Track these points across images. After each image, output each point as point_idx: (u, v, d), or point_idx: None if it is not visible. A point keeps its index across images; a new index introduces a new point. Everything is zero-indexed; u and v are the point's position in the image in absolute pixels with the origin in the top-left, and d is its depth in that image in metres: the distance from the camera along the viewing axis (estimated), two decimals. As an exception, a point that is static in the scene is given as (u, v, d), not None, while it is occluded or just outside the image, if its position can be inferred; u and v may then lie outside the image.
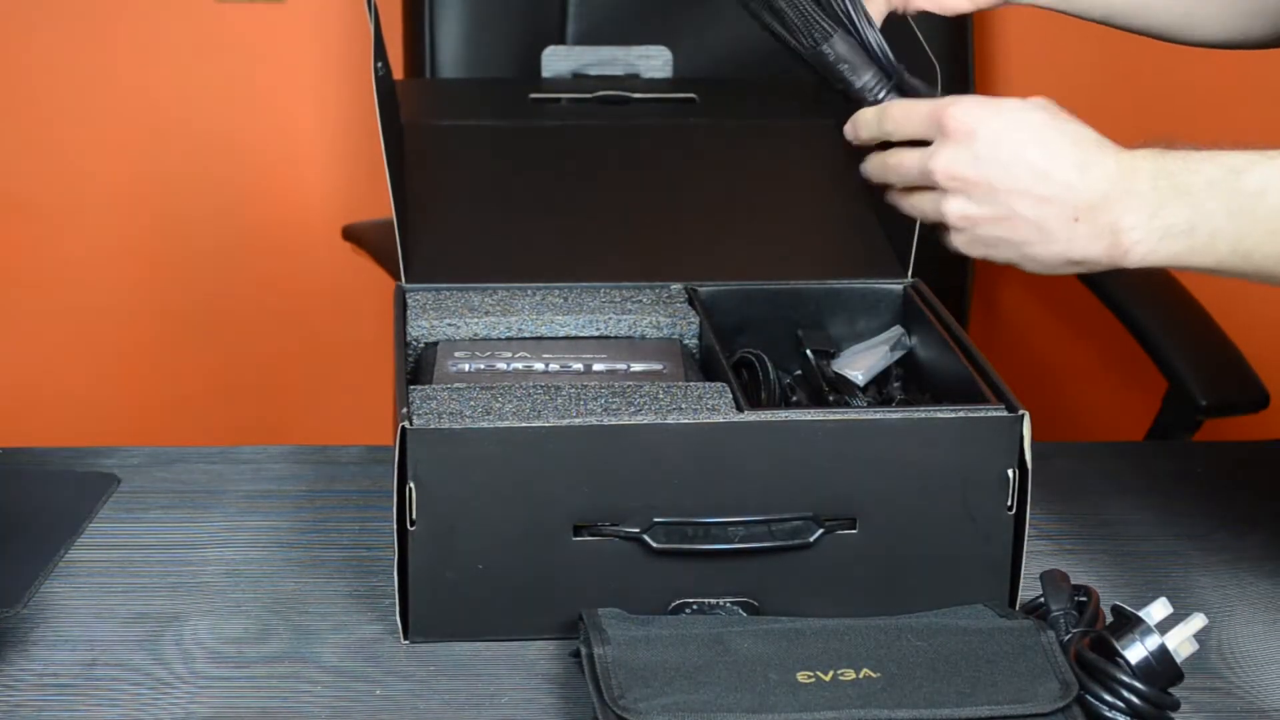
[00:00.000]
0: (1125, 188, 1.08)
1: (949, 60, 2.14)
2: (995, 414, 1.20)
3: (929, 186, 1.13)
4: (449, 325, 1.36)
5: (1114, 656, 1.08)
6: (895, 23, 1.47)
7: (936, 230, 1.15)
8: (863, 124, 1.17)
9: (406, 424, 1.16)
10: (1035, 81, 2.36)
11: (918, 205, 1.15)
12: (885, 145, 1.16)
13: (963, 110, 1.10)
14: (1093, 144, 1.09)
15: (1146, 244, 1.08)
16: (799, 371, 1.38)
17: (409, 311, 1.37)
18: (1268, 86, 2.33)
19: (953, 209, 1.11)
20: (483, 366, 1.31)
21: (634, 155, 1.61)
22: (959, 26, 2.17)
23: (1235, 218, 1.06)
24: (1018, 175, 1.09)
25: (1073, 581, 1.18)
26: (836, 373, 1.34)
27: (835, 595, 1.20)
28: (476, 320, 1.36)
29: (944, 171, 1.11)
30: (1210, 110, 2.33)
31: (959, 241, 1.13)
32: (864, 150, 1.18)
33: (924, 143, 1.13)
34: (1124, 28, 1.31)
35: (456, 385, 1.24)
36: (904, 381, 1.38)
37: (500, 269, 1.42)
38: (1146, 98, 2.32)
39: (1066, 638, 1.13)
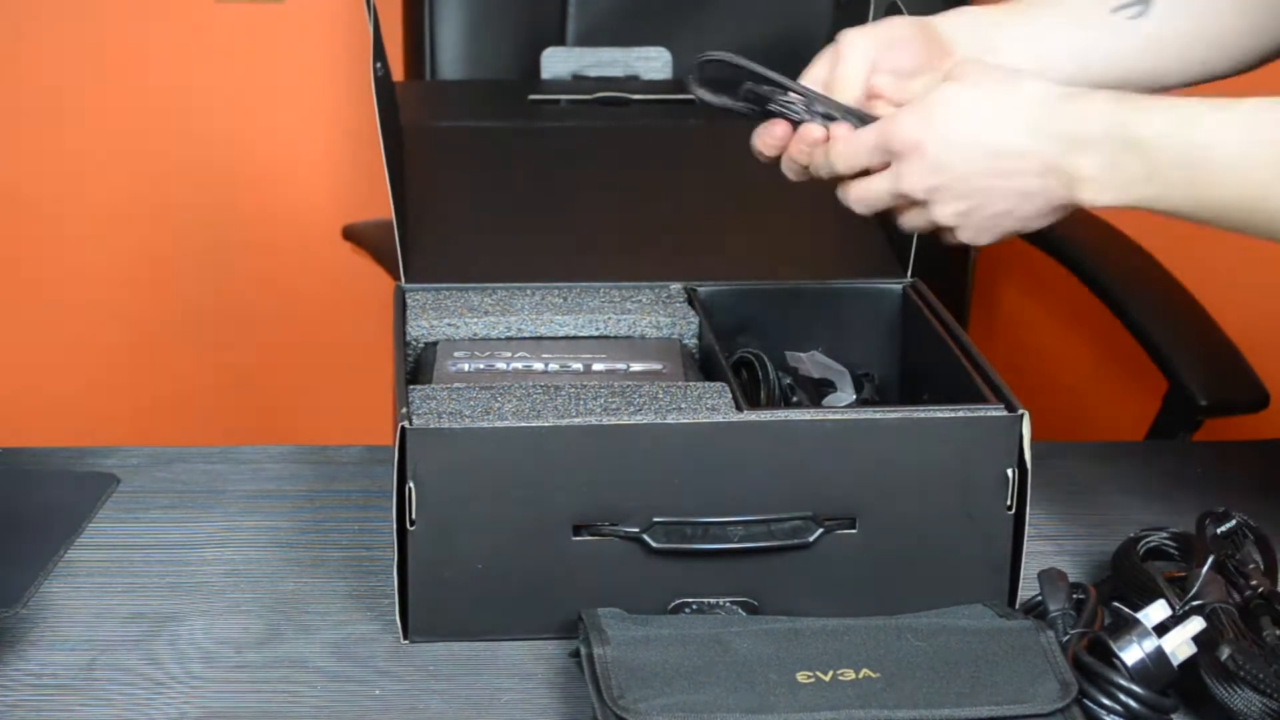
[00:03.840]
0: (1080, 138, 1.11)
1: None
2: (995, 414, 1.20)
3: (912, 202, 1.18)
4: (449, 325, 1.36)
5: (1110, 659, 1.08)
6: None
7: (941, 236, 1.19)
8: (815, 167, 1.21)
9: (406, 424, 1.16)
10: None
11: (911, 222, 1.20)
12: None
13: (900, 128, 1.15)
14: (1039, 100, 1.13)
15: (1109, 191, 1.12)
16: (797, 370, 1.38)
17: (409, 311, 1.37)
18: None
19: (940, 215, 1.17)
20: (482, 366, 1.31)
21: (634, 156, 1.61)
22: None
23: (1187, 169, 1.09)
24: (976, 162, 1.14)
25: (1072, 581, 1.18)
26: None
27: (835, 595, 1.20)
28: (476, 320, 1.36)
29: (914, 189, 1.16)
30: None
31: (964, 237, 1.18)
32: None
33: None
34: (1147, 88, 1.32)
35: (456, 385, 1.24)
36: (880, 386, 1.38)
37: (500, 269, 1.42)
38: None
39: (1065, 638, 1.13)
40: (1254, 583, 1.18)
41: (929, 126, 1.14)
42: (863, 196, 1.19)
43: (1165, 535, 1.24)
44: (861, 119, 1.20)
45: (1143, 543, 1.23)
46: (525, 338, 1.37)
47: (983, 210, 1.15)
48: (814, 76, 1.23)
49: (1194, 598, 1.14)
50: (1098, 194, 1.12)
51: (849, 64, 1.22)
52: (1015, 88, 1.14)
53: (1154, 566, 1.21)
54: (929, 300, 1.38)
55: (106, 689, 1.14)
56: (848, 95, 1.21)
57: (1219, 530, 1.24)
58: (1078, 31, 1.28)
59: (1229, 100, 1.10)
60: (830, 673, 1.10)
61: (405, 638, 1.20)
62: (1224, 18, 1.29)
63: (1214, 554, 1.18)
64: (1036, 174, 1.13)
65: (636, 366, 1.31)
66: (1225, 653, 1.08)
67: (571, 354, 1.33)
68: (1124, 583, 1.19)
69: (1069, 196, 1.14)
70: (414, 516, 1.17)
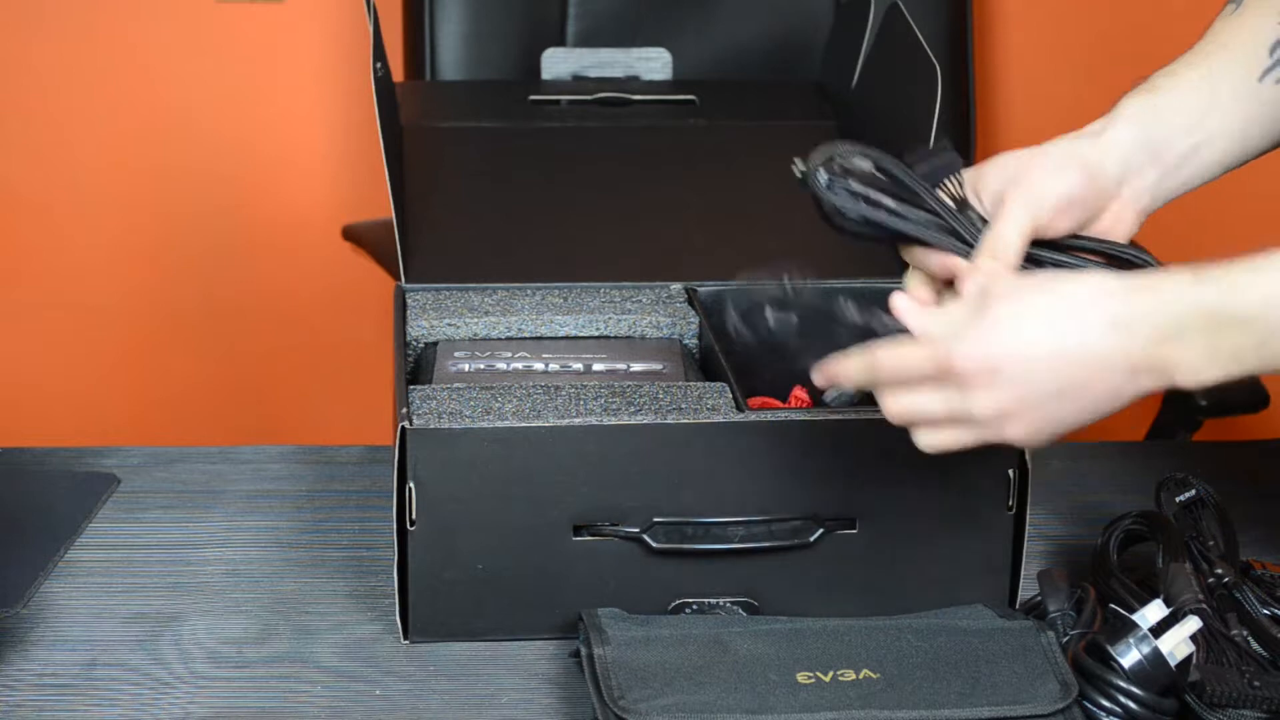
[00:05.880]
0: (1171, 328, 1.01)
1: (949, 60, 2.14)
2: (995, 414, 1.20)
3: (966, 420, 1.05)
4: (449, 325, 1.36)
5: (1108, 661, 1.08)
6: (895, 21, 1.47)
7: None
8: (847, 375, 1.09)
9: (406, 424, 1.16)
10: (1034, 83, 2.36)
11: (953, 441, 1.07)
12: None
13: (968, 352, 1.03)
14: (1112, 295, 1.02)
15: (1214, 368, 1.02)
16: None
17: (409, 311, 1.37)
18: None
19: (1010, 433, 1.05)
20: (482, 366, 1.31)
21: (633, 156, 1.61)
22: (959, 28, 2.17)
23: None
24: (1061, 372, 1.02)
25: (1072, 582, 1.18)
26: None
27: (835, 595, 1.20)
28: (476, 320, 1.36)
29: (984, 411, 1.04)
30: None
31: (1019, 443, 1.06)
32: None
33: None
34: (1244, 163, 1.23)
35: (456, 385, 1.24)
36: None
37: (500, 269, 1.42)
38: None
39: (1065, 639, 1.13)
40: (1218, 570, 1.19)
41: (998, 344, 1.02)
42: (912, 412, 1.06)
43: (1130, 521, 1.24)
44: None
45: (1114, 537, 1.23)
46: (525, 338, 1.37)
47: (1060, 420, 1.03)
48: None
49: (1167, 602, 1.13)
50: (1199, 374, 1.01)
51: (1008, 230, 1.10)
52: (1080, 286, 1.03)
53: (1136, 553, 1.23)
54: (929, 300, 1.38)
55: (108, 689, 1.14)
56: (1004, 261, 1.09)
57: (1178, 500, 1.26)
58: (1234, 116, 1.18)
59: None
60: (830, 673, 1.10)
61: (405, 638, 1.20)
62: None
63: (1177, 539, 1.20)
64: (1126, 372, 1.02)
65: (637, 367, 1.31)
66: (1196, 676, 1.09)
67: (572, 354, 1.33)
68: (1105, 596, 1.19)
69: (1162, 384, 1.03)
70: (414, 516, 1.17)
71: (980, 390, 1.03)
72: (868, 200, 1.10)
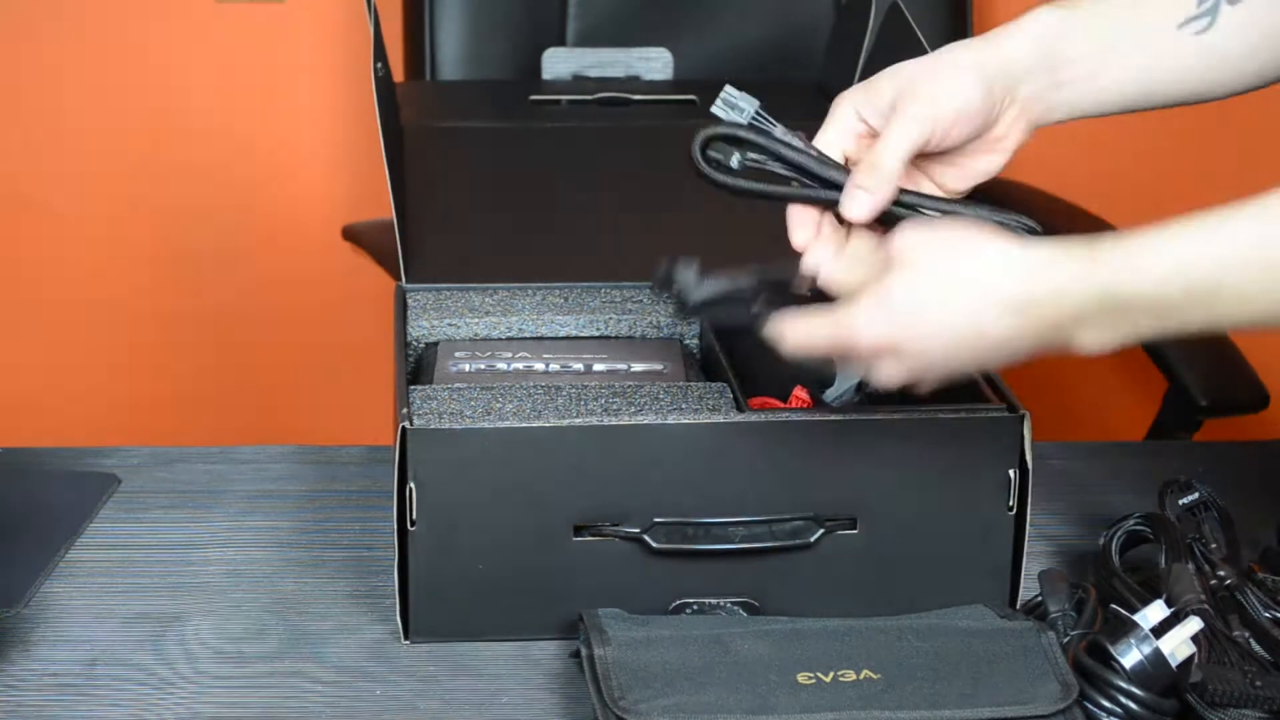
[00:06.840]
0: (1070, 314, 1.04)
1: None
2: (996, 414, 1.20)
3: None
4: (449, 325, 1.36)
5: (1109, 661, 1.08)
6: (895, 21, 1.48)
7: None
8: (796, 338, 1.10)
9: (406, 424, 1.16)
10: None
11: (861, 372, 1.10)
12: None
13: (868, 329, 1.05)
14: (1010, 278, 1.03)
15: (1116, 338, 1.05)
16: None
17: (409, 311, 1.37)
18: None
19: (912, 379, 1.08)
20: (483, 366, 1.31)
21: (634, 156, 1.61)
22: (959, 28, 2.17)
23: (1202, 306, 1.03)
24: (964, 349, 1.05)
25: (1073, 583, 1.18)
26: None
27: (835, 595, 1.20)
28: (476, 320, 1.36)
29: (890, 379, 1.07)
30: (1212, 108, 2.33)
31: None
32: None
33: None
34: (1147, 107, 1.24)
35: (457, 385, 1.24)
36: None
37: (500, 269, 1.42)
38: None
39: (1066, 639, 1.13)
40: (1220, 573, 1.19)
41: (899, 326, 1.05)
42: (804, 343, 1.08)
43: (1133, 521, 1.24)
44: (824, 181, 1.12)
45: (1115, 538, 1.23)
46: (526, 338, 1.37)
47: (958, 370, 1.08)
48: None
49: (1169, 602, 1.13)
50: (1097, 346, 1.05)
51: (832, 129, 1.14)
52: (981, 268, 1.04)
53: (1138, 554, 1.23)
54: (929, 300, 1.38)
55: (111, 689, 1.15)
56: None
57: (1181, 503, 1.26)
58: (1142, 52, 1.20)
59: (1212, 225, 1.03)
60: (831, 673, 1.10)
61: (406, 638, 1.20)
62: None
63: (1180, 541, 1.20)
64: (1029, 343, 1.05)
65: (637, 367, 1.31)
66: (1198, 676, 1.08)
67: (572, 354, 1.33)
68: (1106, 596, 1.19)
69: (1058, 352, 1.06)
70: (414, 517, 1.17)
71: (886, 364, 1.06)
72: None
